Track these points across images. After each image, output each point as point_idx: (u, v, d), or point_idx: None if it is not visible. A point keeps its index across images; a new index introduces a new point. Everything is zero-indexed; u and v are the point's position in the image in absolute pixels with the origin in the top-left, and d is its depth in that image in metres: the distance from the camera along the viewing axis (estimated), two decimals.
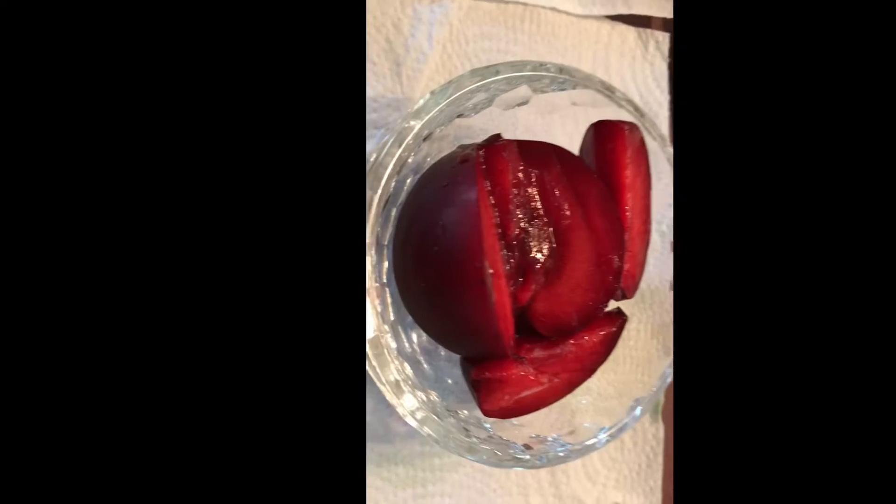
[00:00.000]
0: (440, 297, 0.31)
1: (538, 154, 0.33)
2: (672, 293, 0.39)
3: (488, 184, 0.32)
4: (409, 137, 0.33)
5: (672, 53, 0.43)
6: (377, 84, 0.38)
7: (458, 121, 0.35)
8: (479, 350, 0.33)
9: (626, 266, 0.36)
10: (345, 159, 0.25)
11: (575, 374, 0.36)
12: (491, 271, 0.30)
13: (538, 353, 0.34)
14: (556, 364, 0.34)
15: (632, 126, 0.34)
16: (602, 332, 0.36)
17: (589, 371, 0.36)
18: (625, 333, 0.38)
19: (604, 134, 0.35)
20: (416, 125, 0.33)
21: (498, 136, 0.34)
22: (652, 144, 0.36)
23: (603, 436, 0.36)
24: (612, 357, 0.37)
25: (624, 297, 0.36)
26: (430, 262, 0.32)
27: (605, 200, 0.34)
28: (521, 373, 0.33)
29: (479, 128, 0.38)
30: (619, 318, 0.37)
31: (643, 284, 0.39)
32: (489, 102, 0.35)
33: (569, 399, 0.37)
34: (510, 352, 0.32)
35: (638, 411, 0.36)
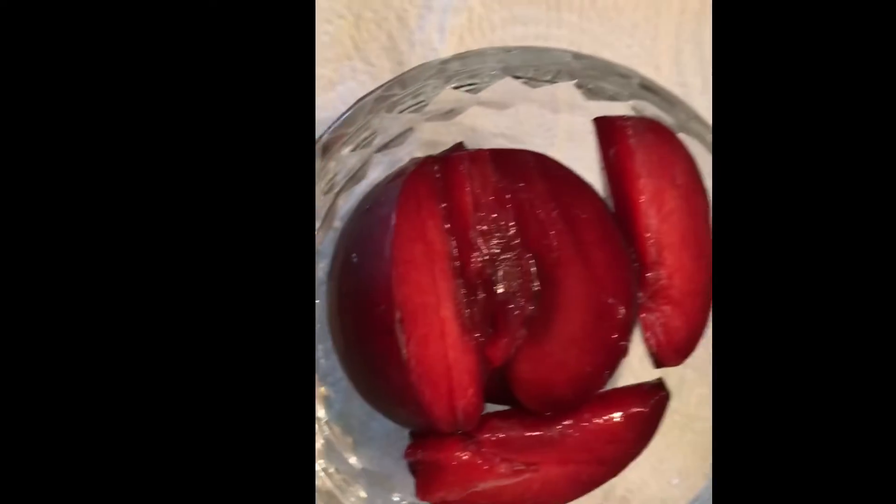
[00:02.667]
0: (357, 350, 0.24)
1: (516, 166, 0.25)
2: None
3: (444, 205, 0.24)
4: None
5: None
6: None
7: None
8: (411, 422, 0.25)
9: (662, 315, 0.25)
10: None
11: (583, 468, 0.25)
12: (399, 315, 0.22)
13: (512, 433, 0.25)
14: (542, 451, 0.25)
15: (637, 121, 0.24)
16: (624, 413, 0.25)
17: (611, 465, 0.26)
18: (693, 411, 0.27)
19: (604, 136, 0.25)
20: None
21: (460, 144, 0.26)
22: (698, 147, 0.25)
23: None
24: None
25: (659, 363, 0.25)
26: (345, 307, 0.25)
27: (605, 224, 0.24)
28: (465, 456, 0.24)
29: (488, 132, 0.30)
30: (654, 394, 0.26)
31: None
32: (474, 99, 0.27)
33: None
34: (447, 426, 0.23)
35: None
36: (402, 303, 0.22)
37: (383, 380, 0.23)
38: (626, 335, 0.24)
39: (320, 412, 0.28)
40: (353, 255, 0.24)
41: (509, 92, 0.27)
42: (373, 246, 0.23)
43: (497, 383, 0.25)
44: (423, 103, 0.26)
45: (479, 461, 0.24)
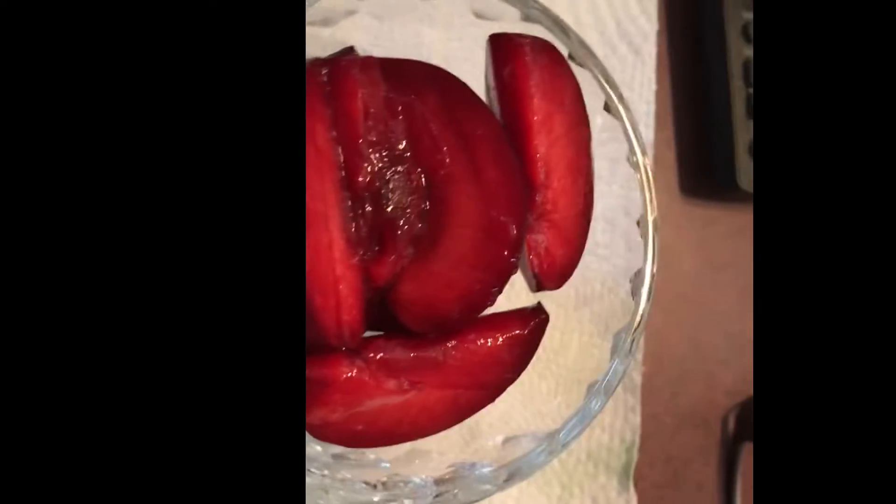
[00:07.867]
0: None
1: (410, 77, 0.24)
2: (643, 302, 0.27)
3: (330, 111, 0.23)
4: None
5: None
6: None
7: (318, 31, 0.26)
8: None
9: (545, 238, 0.25)
10: None
11: (463, 392, 0.25)
12: None
13: (396, 353, 0.24)
14: (426, 372, 0.24)
15: (539, 43, 0.24)
16: (505, 335, 0.25)
17: (490, 389, 0.26)
18: (552, 344, 0.28)
19: (499, 53, 0.24)
20: None
21: (350, 48, 0.25)
22: (590, 83, 0.25)
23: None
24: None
25: (540, 286, 0.26)
26: None
27: (499, 143, 0.24)
28: (353, 373, 0.23)
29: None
30: (535, 316, 0.26)
31: (594, 280, 0.28)
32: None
33: None
34: (335, 339, 0.22)
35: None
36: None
37: None
38: (515, 252, 0.24)
39: None
40: None
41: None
42: None
43: (376, 308, 0.24)
44: None
45: (367, 378, 0.23)
